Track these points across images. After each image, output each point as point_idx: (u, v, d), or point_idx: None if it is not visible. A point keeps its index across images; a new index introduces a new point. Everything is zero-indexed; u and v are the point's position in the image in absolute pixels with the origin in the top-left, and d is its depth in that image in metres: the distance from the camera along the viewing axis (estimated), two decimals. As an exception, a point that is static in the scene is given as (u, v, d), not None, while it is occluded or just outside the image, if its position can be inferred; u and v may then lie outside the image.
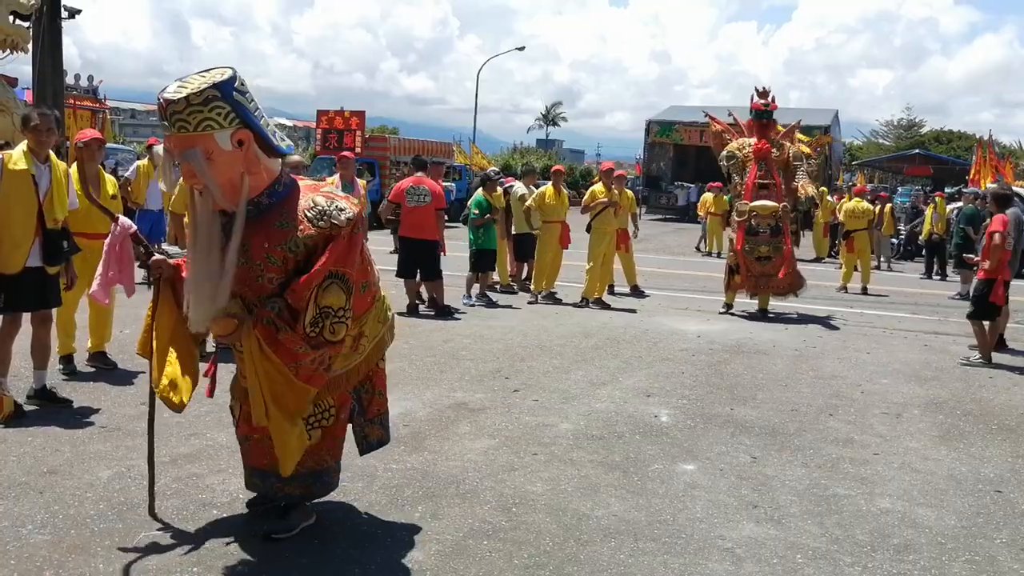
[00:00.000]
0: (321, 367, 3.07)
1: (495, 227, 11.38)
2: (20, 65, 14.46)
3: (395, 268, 10.34)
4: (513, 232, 12.46)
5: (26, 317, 5.50)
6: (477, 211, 11.02)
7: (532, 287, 11.71)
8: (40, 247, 5.27)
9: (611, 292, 12.15)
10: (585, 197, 11.76)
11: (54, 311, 5.70)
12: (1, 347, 5.36)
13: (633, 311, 11.03)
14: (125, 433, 5.08)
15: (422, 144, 30.59)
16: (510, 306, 11.01)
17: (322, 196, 3.06)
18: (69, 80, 17.44)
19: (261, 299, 3.02)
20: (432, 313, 9.97)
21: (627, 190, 12.57)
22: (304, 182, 3.14)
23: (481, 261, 11.07)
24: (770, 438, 5.68)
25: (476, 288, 11.14)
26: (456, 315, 9.98)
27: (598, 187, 11.61)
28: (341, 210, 3.02)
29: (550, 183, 11.65)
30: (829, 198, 20.42)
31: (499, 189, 11.83)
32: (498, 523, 4.05)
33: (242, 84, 2.88)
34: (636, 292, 12.57)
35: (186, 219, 3.49)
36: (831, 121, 39.89)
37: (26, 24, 12.74)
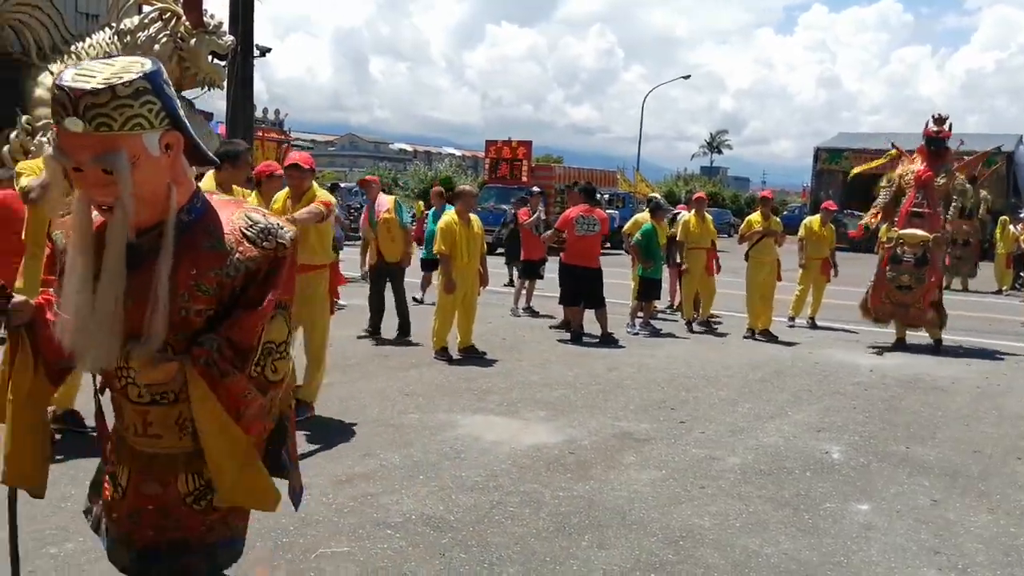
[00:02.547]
0: (264, 413, 2.47)
1: (662, 255, 11.32)
2: (215, 100, 15.65)
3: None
4: (679, 260, 12.32)
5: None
6: (643, 239, 10.97)
7: (683, 316, 11.61)
8: None
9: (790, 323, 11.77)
10: (742, 226, 11.55)
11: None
12: None
13: (800, 343, 10.65)
14: (306, 451, 5.35)
15: (587, 172, 30.79)
16: (673, 335, 10.89)
17: (255, 211, 2.50)
18: (258, 114, 18.69)
19: (179, 336, 2.34)
20: (595, 341, 9.99)
21: (829, 224, 12.24)
22: (215, 196, 2.55)
23: (647, 290, 11.01)
24: (951, 480, 5.35)
25: (640, 317, 11.08)
26: (620, 344, 9.96)
27: (754, 216, 11.36)
28: (283, 228, 2.47)
29: (693, 211, 11.60)
30: (1013, 228, 19.09)
31: (666, 218, 11.79)
32: (665, 556, 4.01)
33: (167, 76, 2.33)
34: (813, 325, 12.08)
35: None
36: (1015, 146, 37.29)
37: (222, 63, 13.75)
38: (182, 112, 2.30)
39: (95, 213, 2.28)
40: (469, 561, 3.88)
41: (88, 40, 14.09)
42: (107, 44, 13.67)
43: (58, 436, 4.99)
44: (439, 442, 5.67)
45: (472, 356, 8.65)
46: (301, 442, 5.53)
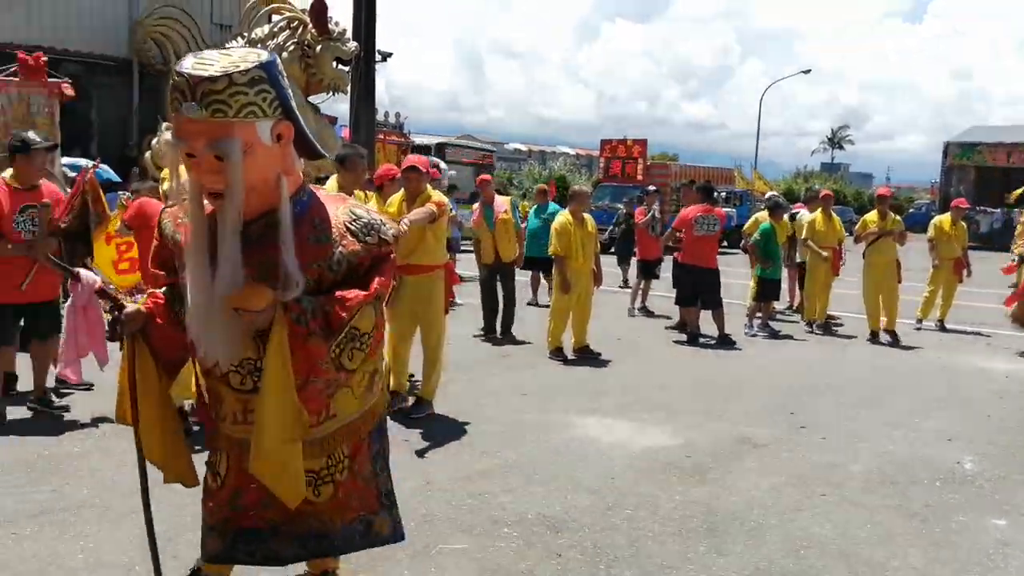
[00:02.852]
0: (326, 394, 2.50)
1: (781, 255, 11.07)
2: (338, 104, 16.12)
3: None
4: (799, 260, 12.04)
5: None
6: (761, 238, 10.74)
7: (804, 316, 11.29)
8: None
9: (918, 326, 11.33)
10: (857, 226, 11.15)
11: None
12: None
13: (928, 347, 10.22)
14: (425, 448, 5.48)
15: (703, 170, 30.33)
16: (792, 337, 10.62)
17: (358, 207, 2.53)
18: (379, 117, 19.17)
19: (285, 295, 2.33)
20: (712, 342, 9.84)
21: (961, 222, 11.69)
22: (321, 191, 2.57)
23: (765, 290, 10.78)
24: (1100, 496, 5.05)
25: (759, 318, 10.86)
26: (737, 346, 9.78)
27: (870, 216, 10.94)
28: (385, 224, 2.50)
29: (819, 210, 11.24)
30: None
31: (785, 216, 11.51)
32: (786, 565, 3.93)
33: (282, 67, 2.35)
34: (942, 327, 11.57)
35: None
36: None
37: (346, 68, 14.17)
38: (295, 104, 2.34)
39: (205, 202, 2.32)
40: (585, 563, 3.89)
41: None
42: (238, 53, 14.29)
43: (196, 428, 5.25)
44: (555, 442, 5.71)
45: (587, 357, 8.66)
46: (419, 439, 5.66)
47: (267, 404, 2.33)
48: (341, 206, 2.48)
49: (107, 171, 11.76)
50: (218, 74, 2.14)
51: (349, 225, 2.41)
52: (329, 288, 2.39)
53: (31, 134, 5.93)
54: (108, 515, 4.15)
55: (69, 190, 6.31)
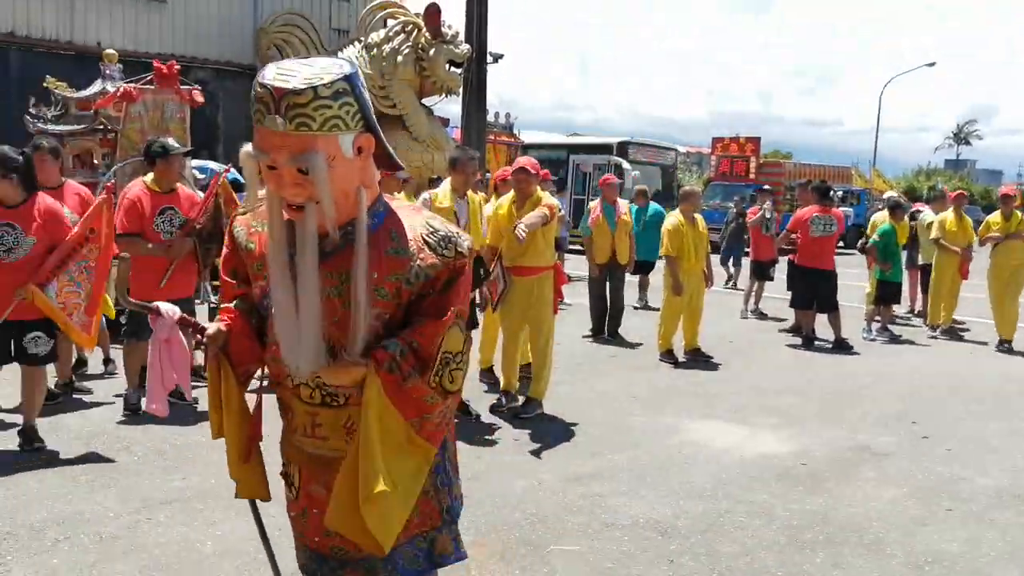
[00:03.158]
0: (444, 422, 2.44)
1: (901, 257, 10.67)
2: (449, 106, 16.37)
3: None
4: (920, 262, 11.59)
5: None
6: (881, 240, 10.38)
7: (927, 321, 10.83)
8: None
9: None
10: (980, 228, 10.60)
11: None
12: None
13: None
14: (536, 448, 5.52)
15: (819, 168, 29.47)
16: (913, 342, 10.23)
17: (434, 219, 2.47)
18: (490, 118, 19.35)
19: (356, 340, 2.30)
20: (828, 347, 9.57)
21: None
22: (396, 202, 2.49)
23: (885, 293, 10.41)
24: None
25: (877, 322, 10.50)
26: (854, 350, 9.48)
27: (993, 217, 10.37)
28: (461, 235, 2.42)
29: (951, 209, 10.73)
30: None
31: (906, 216, 11.09)
32: (907, 580, 3.81)
33: (363, 78, 2.28)
34: None
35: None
36: None
37: (459, 71, 14.39)
38: (374, 115, 2.29)
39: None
40: (698, 569, 3.86)
41: (340, 54, 15.19)
42: (356, 57, 14.71)
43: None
44: (666, 446, 5.67)
45: (698, 359, 8.55)
46: (529, 439, 5.71)
47: (365, 455, 2.25)
48: (418, 218, 2.43)
49: (237, 174, 12.28)
50: (303, 87, 2.09)
51: (427, 238, 2.35)
52: (407, 301, 2.35)
53: (170, 140, 6.26)
54: (235, 505, 4.33)
55: (201, 192, 6.63)
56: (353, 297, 2.24)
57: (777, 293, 12.11)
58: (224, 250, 2.54)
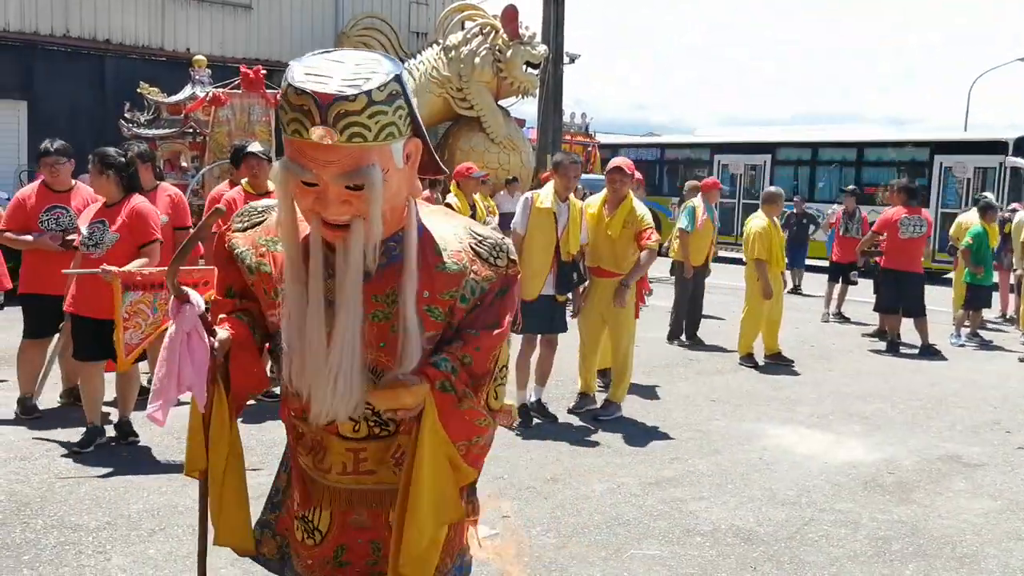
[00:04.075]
0: (488, 444, 2.17)
1: (992, 260, 10.32)
2: (526, 107, 16.41)
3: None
4: (1015, 265, 11.19)
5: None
6: (973, 242, 10.05)
7: (1020, 326, 10.45)
8: (554, 277, 5.98)
9: None
10: None
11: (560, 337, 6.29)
12: (522, 366, 6.17)
13: None
14: (615, 451, 5.51)
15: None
16: (1004, 348, 9.88)
17: (476, 224, 2.18)
18: (565, 118, 19.35)
19: (402, 361, 1.98)
20: (915, 352, 9.32)
21: None
22: (425, 207, 2.16)
23: (975, 297, 10.08)
24: None
25: (967, 327, 10.18)
26: (942, 356, 9.21)
27: None
28: (507, 240, 2.15)
29: None
30: None
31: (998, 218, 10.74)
32: (1003, 596, 3.69)
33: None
34: None
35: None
36: None
37: (536, 72, 14.44)
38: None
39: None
40: (782, 578, 3.81)
41: (419, 57, 15.43)
42: (435, 60, 14.89)
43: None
44: (747, 452, 5.60)
45: (779, 363, 8.41)
46: (608, 442, 5.70)
47: (424, 493, 1.98)
48: (457, 224, 2.12)
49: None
50: (353, 92, 1.76)
51: (476, 248, 2.06)
52: (460, 320, 2.05)
53: (255, 144, 6.44)
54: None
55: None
56: (402, 321, 1.93)
57: (859, 296, 11.84)
58: (216, 266, 2.21)
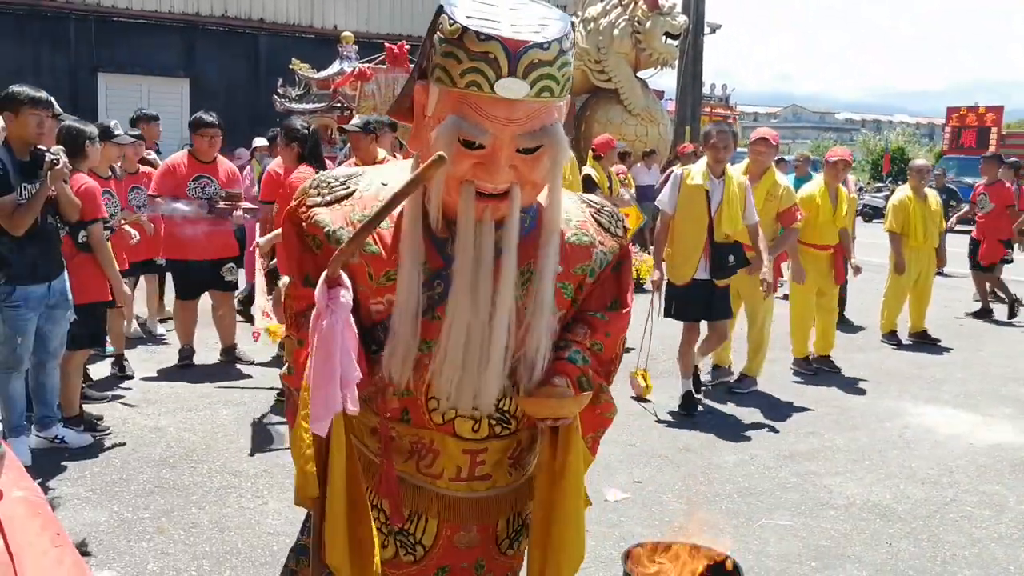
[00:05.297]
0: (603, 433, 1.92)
1: None
2: (664, 79, 16.22)
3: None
4: None
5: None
6: None
7: None
8: (707, 260, 5.50)
9: None
10: None
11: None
12: (684, 353, 5.78)
13: None
14: (748, 424, 5.50)
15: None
16: None
17: (580, 194, 1.94)
18: (705, 90, 19.02)
19: (539, 352, 1.70)
20: None
21: None
22: None
23: None
24: None
25: None
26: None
27: None
28: (616, 209, 1.92)
29: None
30: None
31: None
32: None
33: None
34: None
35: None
36: None
37: (675, 42, 14.23)
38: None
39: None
40: (919, 555, 3.76)
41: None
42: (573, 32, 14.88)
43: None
44: (887, 429, 5.48)
45: (924, 342, 8.12)
46: (743, 415, 5.69)
47: (570, 503, 1.74)
48: (568, 193, 1.86)
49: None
50: (547, 39, 1.50)
51: (596, 217, 1.82)
52: (585, 298, 1.82)
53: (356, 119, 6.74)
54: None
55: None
56: (535, 297, 1.67)
57: (1017, 275, 11.22)
58: (288, 249, 1.81)
